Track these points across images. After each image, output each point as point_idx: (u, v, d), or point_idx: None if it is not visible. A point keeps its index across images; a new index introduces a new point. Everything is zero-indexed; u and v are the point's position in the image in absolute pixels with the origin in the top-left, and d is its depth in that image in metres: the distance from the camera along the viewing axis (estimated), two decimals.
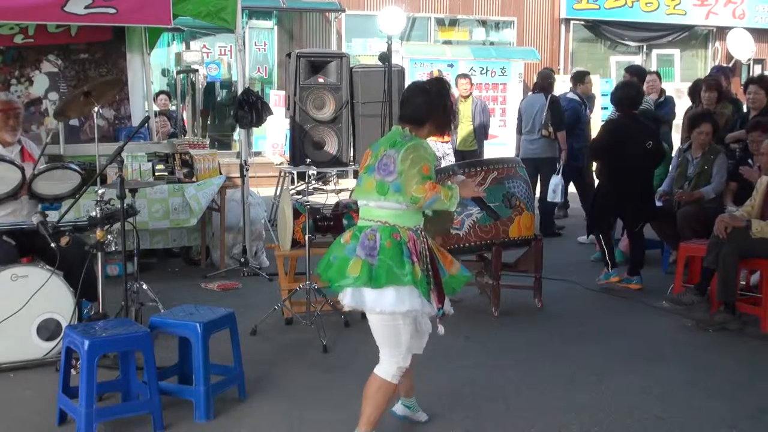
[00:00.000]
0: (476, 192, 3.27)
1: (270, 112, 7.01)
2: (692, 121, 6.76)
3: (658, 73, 8.86)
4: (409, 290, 3.07)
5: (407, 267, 3.05)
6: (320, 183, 8.72)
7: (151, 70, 7.97)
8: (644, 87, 9.04)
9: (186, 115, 11.13)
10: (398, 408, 3.64)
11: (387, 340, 3.18)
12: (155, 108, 9.19)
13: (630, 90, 6.41)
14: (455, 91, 10.73)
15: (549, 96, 8.53)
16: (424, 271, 3.08)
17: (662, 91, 8.57)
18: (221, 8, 6.44)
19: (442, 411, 3.75)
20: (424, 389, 3.91)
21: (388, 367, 3.19)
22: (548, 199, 8.36)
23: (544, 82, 8.73)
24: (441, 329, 3.20)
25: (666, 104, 8.53)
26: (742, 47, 17.25)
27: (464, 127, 10.06)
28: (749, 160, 6.13)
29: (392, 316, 3.11)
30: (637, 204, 6.16)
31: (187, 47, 14.03)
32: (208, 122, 14.52)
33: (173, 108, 10.97)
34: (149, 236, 6.52)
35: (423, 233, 3.17)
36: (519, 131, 8.88)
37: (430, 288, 3.09)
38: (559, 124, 8.32)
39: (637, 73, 8.08)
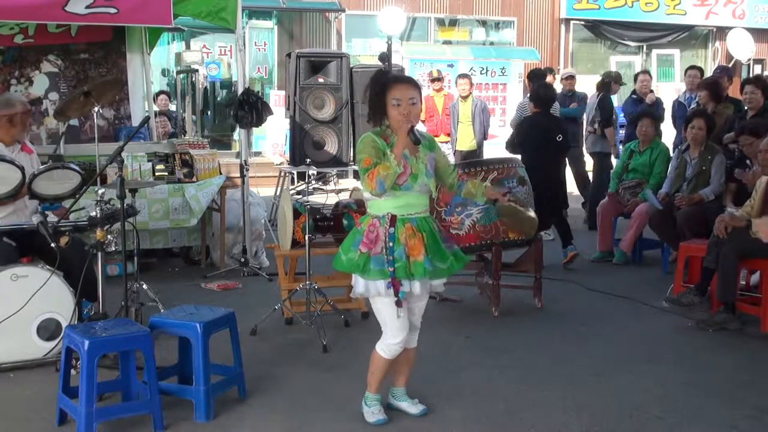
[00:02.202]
0: (404, 131, 3.29)
1: (270, 112, 7.02)
2: (686, 119, 6.81)
3: (648, 72, 8.95)
4: (358, 276, 3.38)
5: (350, 254, 3.37)
6: (320, 183, 8.73)
7: (151, 70, 7.97)
8: (637, 86, 9.14)
9: (186, 115, 11.15)
10: (388, 397, 3.76)
11: (377, 317, 3.47)
12: (155, 108, 9.20)
13: (551, 91, 7.36)
14: (455, 91, 10.77)
15: (600, 94, 8.90)
16: (383, 255, 3.30)
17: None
18: (221, 8, 6.44)
19: (442, 410, 3.75)
20: (424, 389, 3.92)
21: (380, 341, 3.50)
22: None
23: (601, 82, 9.14)
24: (399, 312, 3.38)
25: (659, 105, 8.76)
26: (742, 47, 17.26)
27: (464, 127, 10.08)
28: (747, 161, 6.14)
29: (371, 298, 3.43)
30: (554, 191, 6.75)
31: (187, 47, 14.04)
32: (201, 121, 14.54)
33: (173, 108, 10.98)
34: (149, 236, 6.52)
35: (395, 217, 3.33)
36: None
37: (387, 271, 3.29)
38: (606, 121, 8.69)
39: (536, 76, 8.75)
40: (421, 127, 11.30)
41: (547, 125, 6.93)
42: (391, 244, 3.30)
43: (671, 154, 7.32)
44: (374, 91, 3.41)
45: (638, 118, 7.56)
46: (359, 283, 3.39)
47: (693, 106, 8.20)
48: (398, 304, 3.33)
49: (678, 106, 8.44)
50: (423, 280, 3.36)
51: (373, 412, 3.58)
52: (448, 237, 3.58)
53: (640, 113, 7.73)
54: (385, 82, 3.39)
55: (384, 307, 3.39)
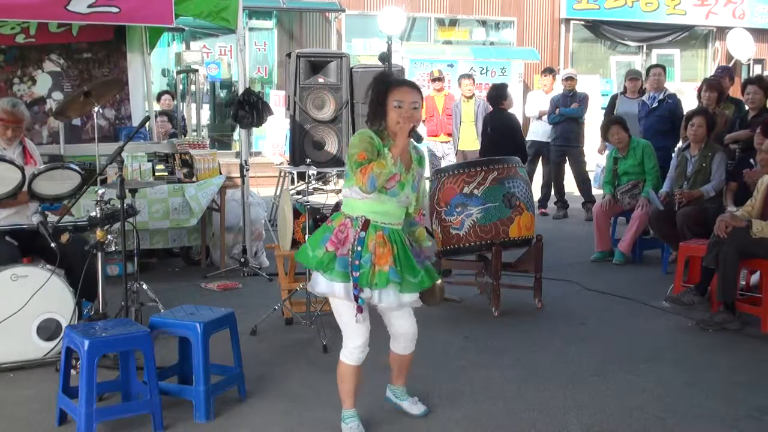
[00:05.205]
0: (405, 131, 3.21)
1: (270, 112, 7.02)
2: (686, 118, 6.80)
3: (662, 66, 8.82)
4: (318, 274, 3.28)
5: (317, 251, 3.25)
6: (320, 183, 8.73)
7: (151, 70, 7.98)
8: (648, 82, 9.05)
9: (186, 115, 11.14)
10: (387, 391, 3.76)
11: (337, 319, 3.37)
12: (157, 108, 9.19)
13: (496, 91, 8.05)
14: (456, 92, 10.77)
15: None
16: (349, 258, 3.20)
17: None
18: (222, 8, 6.45)
19: (442, 411, 3.75)
20: (424, 389, 3.92)
21: (342, 347, 3.39)
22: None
23: None
24: (358, 318, 3.27)
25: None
26: (742, 47, 17.25)
27: (467, 127, 10.10)
28: (750, 160, 6.13)
29: (330, 299, 3.34)
30: None
31: (188, 47, 14.03)
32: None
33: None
34: (149, 236, 6.53)
35: (368, 222, 3.24)
36: None
37: (350, 275, 3.20)
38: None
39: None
40: (421, 128, 11.36)
41: (487, 121, 8.18)
42: (359, 248, 3.20)
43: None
44: (376, 91, 3.34)
45: (608, 127, 7.43)
46: (321, 283, 3.27)
47: (654, 105, 8.18)
48: (359, 310, 3.22)
49: (641, 105, 8.38)
50: (390, 291, 3.24)
51: (351, 428, 3.45)
52: (421, 252, 3.47)
53: (609, 121, 7.59)
54: (388, 84, 3.34)
55: (344, 310, 3.28)
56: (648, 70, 8.89)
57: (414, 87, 3.38)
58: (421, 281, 3.31)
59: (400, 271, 3.23)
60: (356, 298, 3.20)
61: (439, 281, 3.50)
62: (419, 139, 3.28)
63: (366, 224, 3.25)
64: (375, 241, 3.22)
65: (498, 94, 8.02)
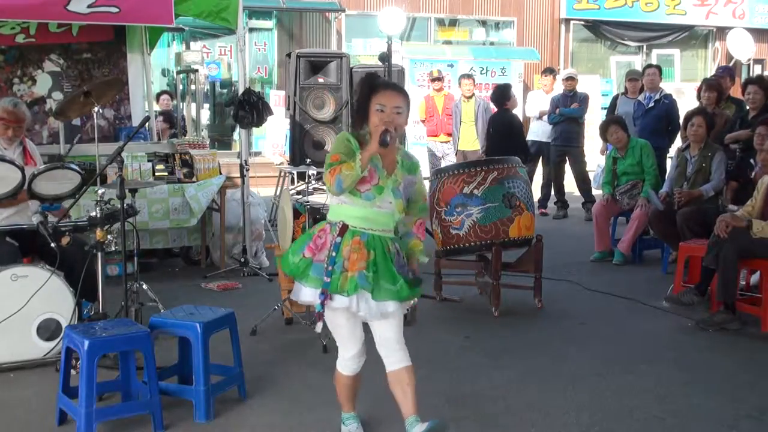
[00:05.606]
0: (377, 133, 3.07)
1: (270, 112, 7.01)
2: (686, 118, 6.80)
3: (657, 66, 8.80)
4: (298, 282, 3.20)
5: (295, 257, 3.19)
6: (320, 183, 8.73)
7: (151, 70, 7.98)
8: (644, 81, 9.04)
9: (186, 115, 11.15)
10: None
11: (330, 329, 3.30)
12: (156, 108, 9.19)
13: (498, 92, 8.22)
14: (456, 92, 10.78)
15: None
16: (324, 263, 3.12)
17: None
18: (222, 8, 6.45)
19: (442, 411, 3.75)
20: (424, 389, 3.91)
21: (339, 357, 3.34)
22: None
23: None
24: (317, 327, 3.21)
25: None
26: (742, 47, 17.24)
27: (467, 127, 10.10)
28: (751, 160, 6.13)
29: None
30: None
31: (187, 47, 14.04)
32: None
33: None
34: (149, 236, 6.52)
35: (347, 227, 3.14)
36: None
37: (322, 281, 3.11)
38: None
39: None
40: (421, 127, 11.37)
41: (490, 122, 8.61)
42: (333, 254, 3.09)
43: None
44: (360, 94, 3.23)
45: (606, 127, 7.44)
46: (304, 291, 3.16)
47: (651, 105, 8.18)
48: (318, 317, 3.13)
49: (637, 105, 8.38)
50: (365, 297, 3.08)
51: (350, 429, 3.46)
52: (409, 265, 3.27)
53: (608, 121, 7.60)
54: (372, 86, 3.20)
55: (334, 318, 3.19)
56: (643, 70, 8.89)
57: (399, 91, 3.25)
58: (400, 290, 3.11)
59: (373, 277, 3.07)
60: (322, 304, 3.10)
61: (412, 301, 3.35)
62: (384, 143, 3.06)
63: (343, 229, 3.14)
64: (350, 247, 3.10)
65: (502, 95, 8.09)
